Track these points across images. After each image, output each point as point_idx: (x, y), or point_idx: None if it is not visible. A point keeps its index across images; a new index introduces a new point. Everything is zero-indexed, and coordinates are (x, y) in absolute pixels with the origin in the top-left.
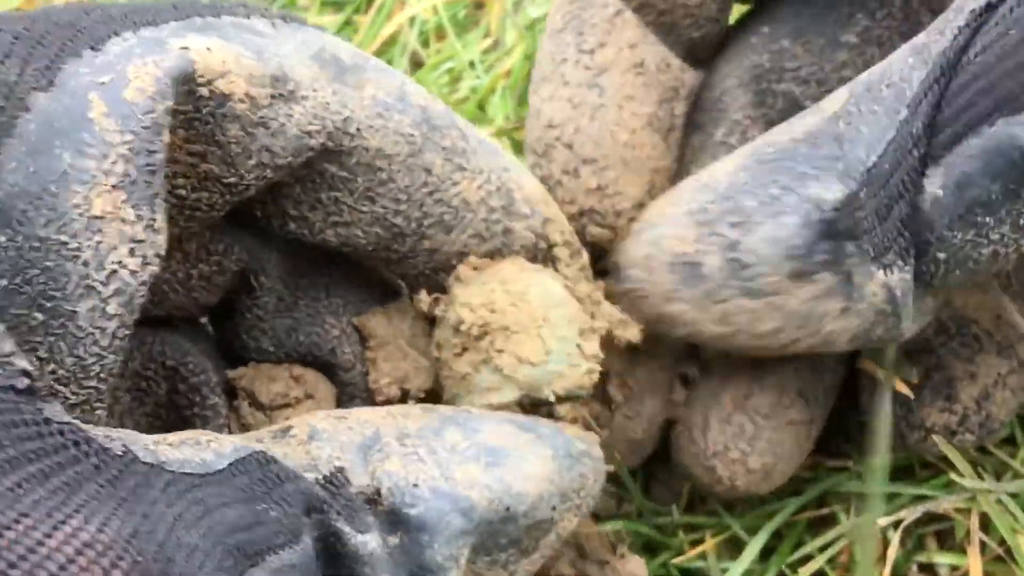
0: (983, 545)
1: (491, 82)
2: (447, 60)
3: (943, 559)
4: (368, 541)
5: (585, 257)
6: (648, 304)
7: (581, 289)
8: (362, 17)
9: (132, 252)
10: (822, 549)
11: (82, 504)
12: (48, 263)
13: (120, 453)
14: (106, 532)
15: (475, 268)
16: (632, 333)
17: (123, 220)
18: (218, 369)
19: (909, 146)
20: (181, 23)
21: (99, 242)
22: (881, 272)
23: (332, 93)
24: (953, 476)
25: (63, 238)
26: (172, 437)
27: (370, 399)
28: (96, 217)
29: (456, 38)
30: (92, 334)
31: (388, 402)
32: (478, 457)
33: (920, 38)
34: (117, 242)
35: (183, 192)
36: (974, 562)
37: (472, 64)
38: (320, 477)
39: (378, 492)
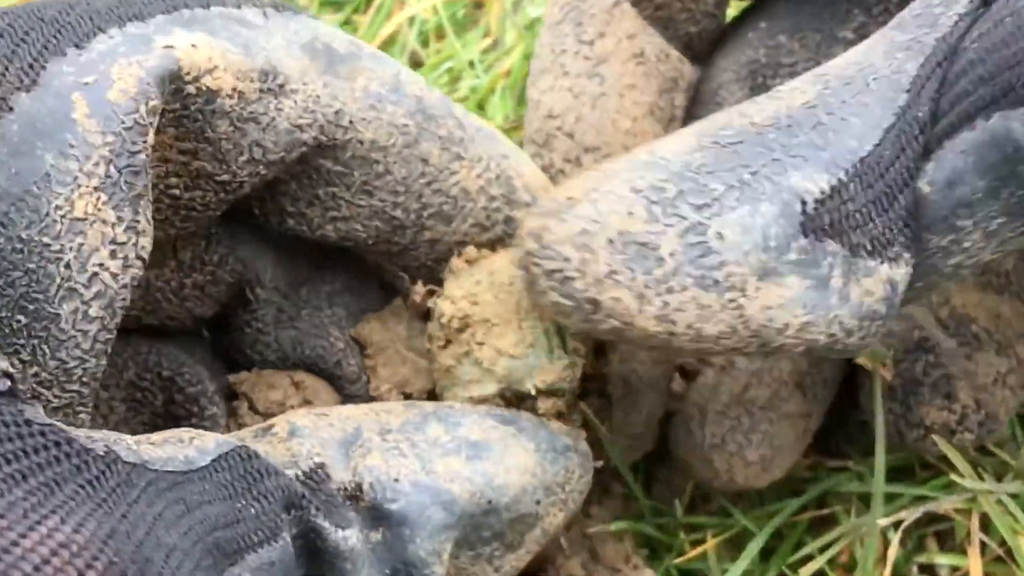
0: (983, 546)
1: (490, 82)
2: (446, 60)
3: (943, 560)
4: (349, 536)
5: None
6: (574, 288)
7: None
8: (361, 17)
9: (113, 254)
10: (822, 549)
11: (59, 504)
12: (30, 265)
13: (102, 453)
14: (82, 532)
15: (468, 261)
16: None
17: (104, 222)
18: (217, 377)
19: (915, 132)
20: (168, 16)
21: (81, 244)
22: (884, 266)
23: (323, 86)
24: (953, 477)
25: (45, 240)
26: (155, 436)
27: None
28: (78, 219)
29: (455, 38)
30: (74, 337)
31: None
32: (459, 451)
33: (894, 34)
34: (99, 244)
35: (177, 192)
36: (974, 563)
37: (471, 64)
38: (300, 473)
39: (359, 487)
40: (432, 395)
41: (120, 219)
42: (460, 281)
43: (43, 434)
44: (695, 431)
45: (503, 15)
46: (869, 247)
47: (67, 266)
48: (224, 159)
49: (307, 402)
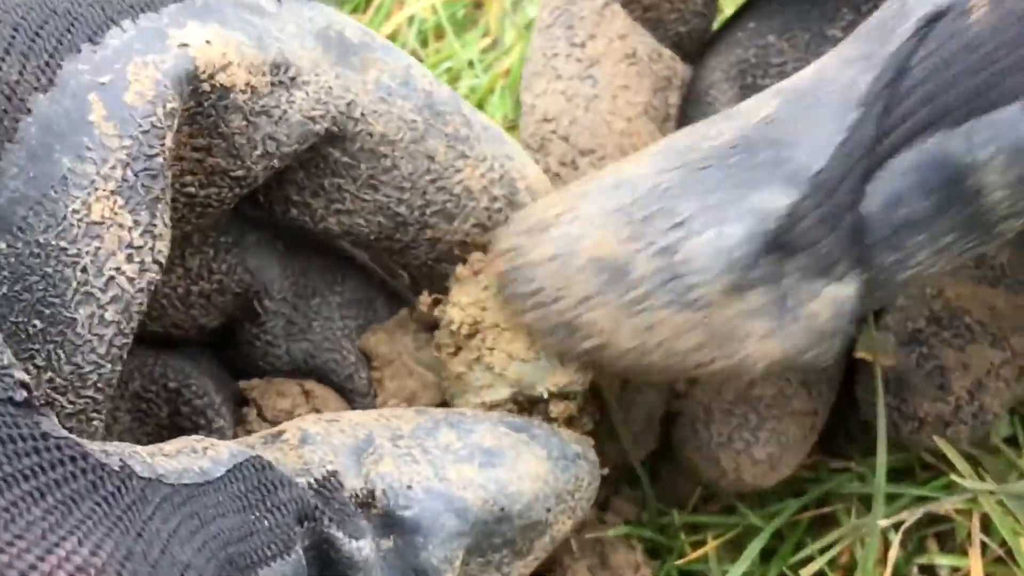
0: (984, 546)
1: (490, 81)
2: (446, 60)
3: (944, 560)
4: (363, 547)
5: None
6: (554, 311)
7: None
8: (361, 16)
9: (130, 258)
10: (823, 550)
11: (77, 524)
12: (48, 269)
13: (117, 468)
14: (99, 555)
15: (475, 272)
16: None
17: (120, 226)
18: (223, 388)
19: (861, 152)
20: (180, 5)
21: (98, 248)
22: (831, 286)
23: (335, 77)
24: (954, 477)
25: (63, 244)
26: (168, 447)
27: None
28: (95, 223)
29: (455, 37)
30: (90, 341)
31: None
32: (472, 457)
33: (854, 45)
34: (115, 248)
35: (192, 190)
36: (975, 563)
37: (471, 63)
38: (312, 481)
39: (372, 494)
40: (441, 408)
41: (137, 223)
42: (467, 288)
43: (59, 448)
44: (701, 430)
45: (502, 15)
46: (816, 267)
47: (83, 270)
48: (238, 154)
49: (316, 411)
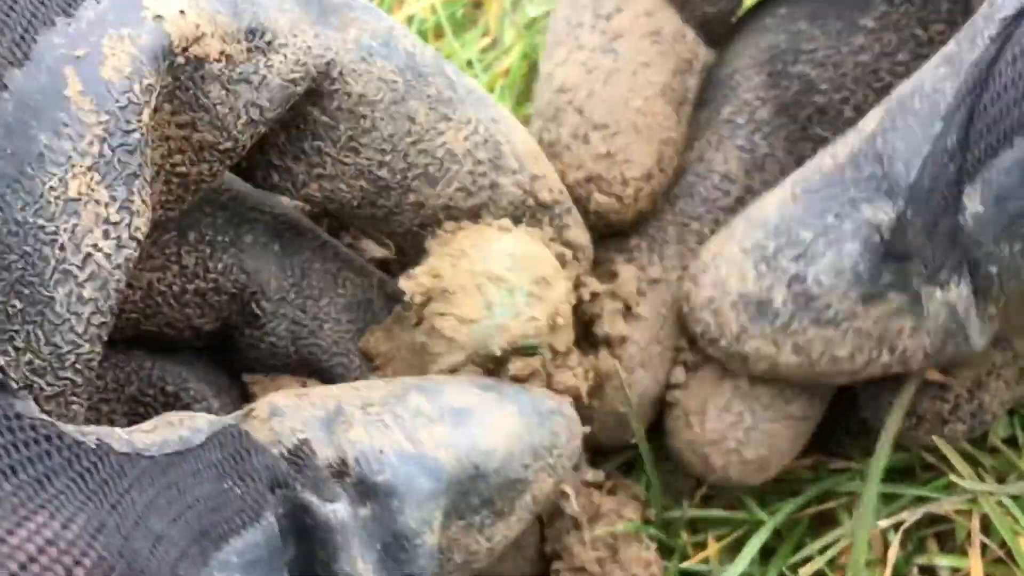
0: (984, 547)
1: (489, 81)
2: (445, 59)
3: (944, 561)
4: (338, 510)
5: (575, 216)
6: (721, 346)
7: (561, 247)
8: None
9: (106, 234)
10: (822, 550)
11: (49, 499)
12: (27, 248)
13: (94, 446)
14: (71, 528)
15: (446, 244)
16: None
17: (97, 202)
18: (220, 393)
19: (945, 160)
20: None
21: (75, 225)
22: (939, 291)
23: (314, 36)
24: (953, 478)
25: (40, 222)
26: (146, 424)
27: None
28: (72, 199)
29: (454, 37)
30: (68, 320)
31: None
32: (443, 418)
33: (950, 47)
34: (92, 224)
35: (184, 168)
36: (975, 564)
37: (470, 63)
38: (285, 451)
39: (344, 463)
40: None
41: (113, 199)
42: (428, 259)
43: (34, 428)
44: (694, 424)
45: (502, 14)
46: (926, 273)
47: (61, 248)
48: (223, 125)
49: None
